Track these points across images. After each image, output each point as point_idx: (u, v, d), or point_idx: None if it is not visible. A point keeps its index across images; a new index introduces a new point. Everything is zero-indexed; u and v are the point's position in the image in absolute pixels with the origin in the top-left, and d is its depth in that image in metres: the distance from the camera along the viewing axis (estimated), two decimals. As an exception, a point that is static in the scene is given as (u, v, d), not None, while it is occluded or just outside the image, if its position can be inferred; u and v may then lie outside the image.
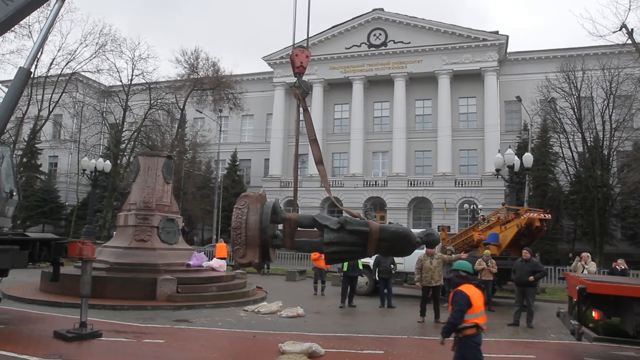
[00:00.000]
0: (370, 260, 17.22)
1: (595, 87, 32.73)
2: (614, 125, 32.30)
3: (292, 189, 8.91)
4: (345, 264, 14.84)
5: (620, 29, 21.87)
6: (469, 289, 5.83)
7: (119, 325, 10.18)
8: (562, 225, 34.84)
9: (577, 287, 8.36)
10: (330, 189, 8.79)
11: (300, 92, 8.34)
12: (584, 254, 14.27)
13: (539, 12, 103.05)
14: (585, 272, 13.52)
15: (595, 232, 31.31)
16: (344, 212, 8.57)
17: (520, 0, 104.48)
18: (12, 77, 10.21)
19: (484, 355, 5.83)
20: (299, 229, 8.01)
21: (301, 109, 8.52)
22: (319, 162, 8.45)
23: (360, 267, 15.62)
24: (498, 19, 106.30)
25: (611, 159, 32.85)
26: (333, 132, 47.62)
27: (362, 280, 17.66)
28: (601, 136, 32.70)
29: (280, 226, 8.24)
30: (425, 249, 12.36)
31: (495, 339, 10.53)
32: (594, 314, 8.43)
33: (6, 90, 10.55)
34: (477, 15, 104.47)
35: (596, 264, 16.62)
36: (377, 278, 15.95)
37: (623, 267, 16.30)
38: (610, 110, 32.42)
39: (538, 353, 9.35)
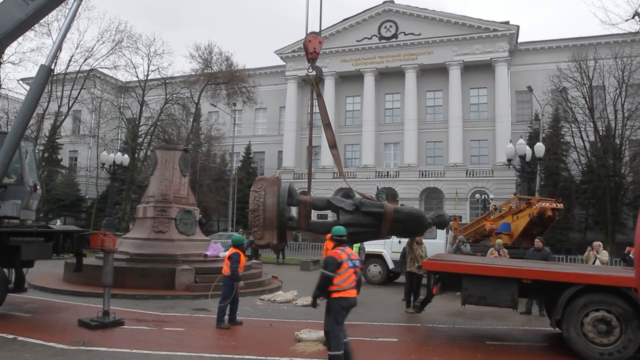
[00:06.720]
0: (383, 250, 17.44)
1: (608, 76, 32.43)
2: (626, 114, 32.08)
3: (306, 180, 9.06)
4: None
5: (633, 17, 21.59)
6: None
7: (140, 313, 10.47)
8: (574, 215, 34.66)
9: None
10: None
11: (313, 78, 8.44)
12: (596, 243, 14.19)
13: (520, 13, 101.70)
14: (597, 262, 13.42)
15: (607, 221, 31.20)
16: (356, 195, 8.66)
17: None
18: (32, 74, 10.45)
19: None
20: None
21: (315, 94, 8.60)
22: (332, 146, 8.53)
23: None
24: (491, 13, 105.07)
25: (623, 147, 32.63)
26: (345, 124, 47.75)
27: (375, 269, 17.89)
28: (613, 125, 32.46)
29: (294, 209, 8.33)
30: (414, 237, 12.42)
31: (508, 326, 10.67)
32: (433, 289, 9.12)
33: (28, 88, 10.84)
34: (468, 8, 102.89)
35: (608, 252, 16.61)
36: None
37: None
38: (623, 99, 32.18)
39: (550, 341, 9.44)
